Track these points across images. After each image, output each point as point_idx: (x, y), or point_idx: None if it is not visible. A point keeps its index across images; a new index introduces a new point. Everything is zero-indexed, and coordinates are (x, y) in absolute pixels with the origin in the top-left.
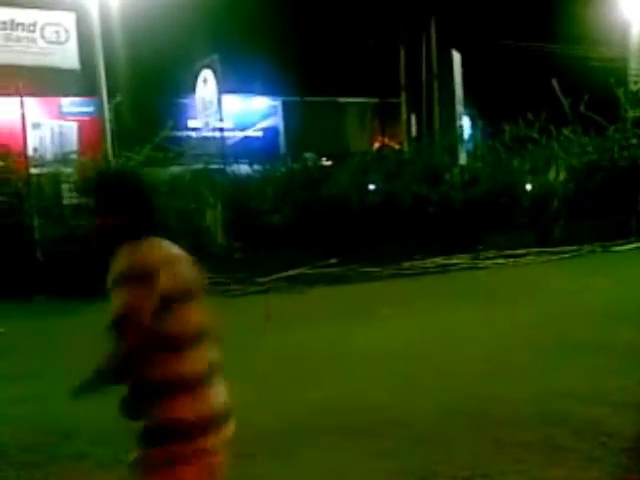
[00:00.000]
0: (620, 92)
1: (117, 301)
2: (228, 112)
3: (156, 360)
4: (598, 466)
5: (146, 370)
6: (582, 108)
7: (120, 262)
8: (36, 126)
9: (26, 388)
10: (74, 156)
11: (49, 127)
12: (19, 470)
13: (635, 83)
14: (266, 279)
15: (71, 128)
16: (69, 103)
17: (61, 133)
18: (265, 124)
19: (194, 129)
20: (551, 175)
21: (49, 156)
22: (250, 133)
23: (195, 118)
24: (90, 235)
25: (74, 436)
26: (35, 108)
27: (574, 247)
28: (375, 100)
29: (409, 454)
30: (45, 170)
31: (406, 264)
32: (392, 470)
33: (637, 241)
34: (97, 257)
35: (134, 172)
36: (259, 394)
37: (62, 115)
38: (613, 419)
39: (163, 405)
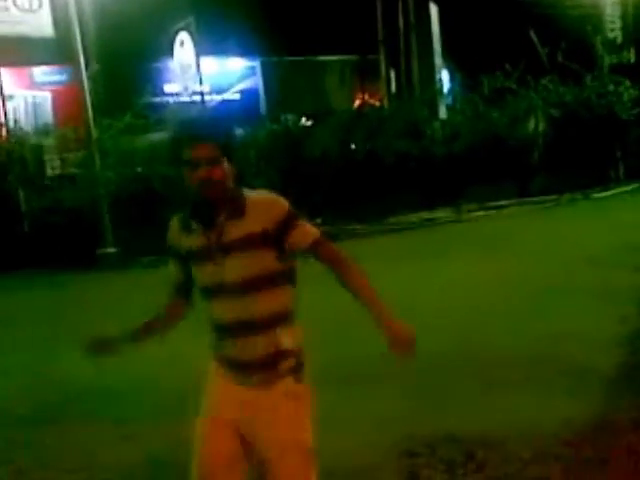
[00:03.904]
0: (597, 39)
1: None
2: (205, 75)
3: None
4: (583, 399)
5: None
6: (560, 57)
7: None
8: (9, 98)
9: (22, 358)
10: (52, 127)
11: (22, 98)
12: (31, 429)
13: (611, 30)
14: None
15: (45, 98)
16: (41, 73)
17: (35, 104)
18: (243, 86)
19: (172, 94)
20: (530, 126)
21: (24, 127)
22: (228, 96)
23: (172, 82)
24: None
25: (86, 396)
26: (7, 79)
27: (555, 196)
28: (354, 57)
29: (398, 400)
30: (26, 141)
31: (391, 220)
32: (380, 417)
33: (616, 187)
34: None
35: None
36: None
37: (35, 85)
38: (595, 356)
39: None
